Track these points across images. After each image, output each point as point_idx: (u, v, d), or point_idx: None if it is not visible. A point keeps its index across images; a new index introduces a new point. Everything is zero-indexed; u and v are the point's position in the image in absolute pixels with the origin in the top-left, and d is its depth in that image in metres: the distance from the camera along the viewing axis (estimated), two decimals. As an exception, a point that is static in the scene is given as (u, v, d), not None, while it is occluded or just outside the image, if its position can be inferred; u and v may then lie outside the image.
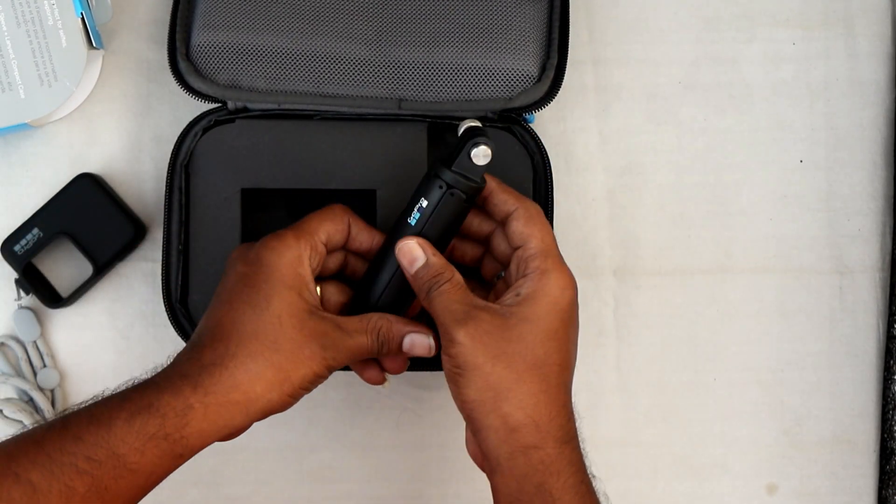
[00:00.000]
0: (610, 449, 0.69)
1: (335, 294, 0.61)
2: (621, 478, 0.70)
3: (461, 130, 0.60)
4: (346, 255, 0.62)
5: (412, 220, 0.58)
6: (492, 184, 0.59)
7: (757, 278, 0.70)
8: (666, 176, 0.70)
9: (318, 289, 0.60)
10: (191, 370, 0.54)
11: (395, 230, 0.59)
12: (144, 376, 0.55)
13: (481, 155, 0.57)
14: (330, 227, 0.59)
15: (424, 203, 0.58)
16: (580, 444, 0.56)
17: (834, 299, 0.70)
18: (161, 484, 0.68)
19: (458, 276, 0.57)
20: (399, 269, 0.58)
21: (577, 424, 0.57)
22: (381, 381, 0.61)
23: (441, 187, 0.57)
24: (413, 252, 0.57)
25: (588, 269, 0.70)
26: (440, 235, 0.58)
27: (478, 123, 0.60)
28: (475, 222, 0.61)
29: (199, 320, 0.57)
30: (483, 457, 0.56)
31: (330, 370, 0.56)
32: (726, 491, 0.70)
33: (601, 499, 0.56)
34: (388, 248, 0.59)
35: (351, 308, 0.60)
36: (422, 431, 0.69)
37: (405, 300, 0.60)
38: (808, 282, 0.70)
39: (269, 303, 0.55)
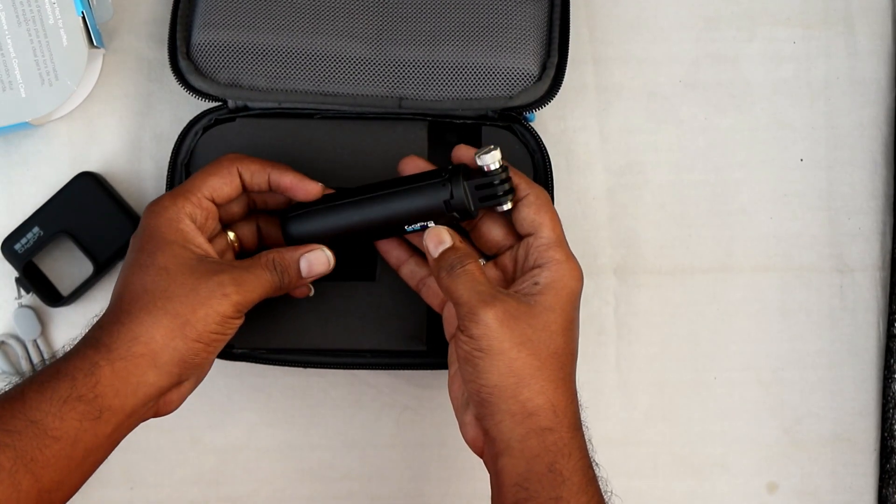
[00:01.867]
0: (610, 448, 0.69)
1: (250, 236, 0.62)
2: (621, 477, 0.69)
3: (489, 163, 0.58)
4: (251, 197, 0.62)
5: (410, 229, 0.58)
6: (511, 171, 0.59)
7: (757, 277, 0.70)
8: (666, 175, 0.70)
9: (233, 234, 0.61)
10: (92, 334, 0.54)
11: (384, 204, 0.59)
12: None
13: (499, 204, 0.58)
14: (215, 182, 0.58)
15: (431, 224, 0.58)
16: (585, 432, 0.57)
17: (834, 298, 0.70)
18: (161, 482, 0.68)
19: (480, 263, 0.57)
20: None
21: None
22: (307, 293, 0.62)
23: (454, 216, 0.58)
24: (441, 235, 0.57)
25: (589, 267, 0.69)
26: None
27: (502, 163, 0.58)
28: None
29: None
30: (487, 441, 0.55)
31: (237, 309, 0.56)
32: (726, 490, 0.70)
33: (602, 484, 0.57)
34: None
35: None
36: (422, 430, 0.69)
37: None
38: (809, 280, 0.70)
39: (154, 258, 0.55)
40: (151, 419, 0.57)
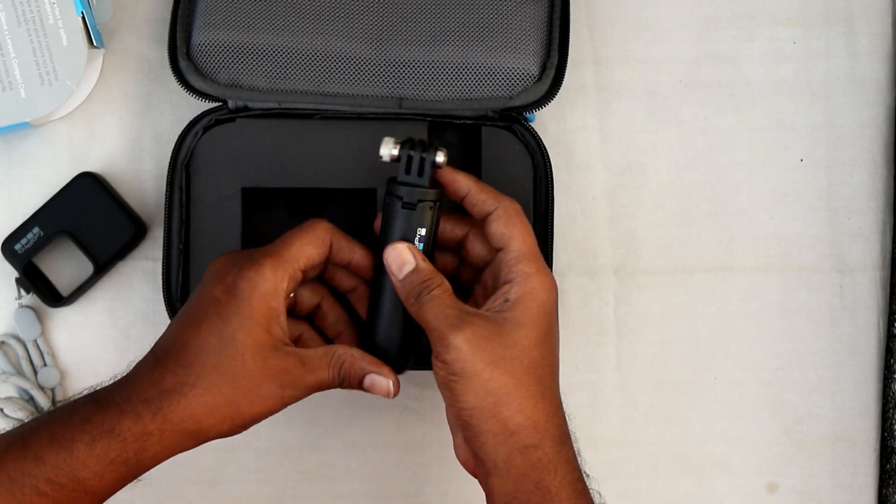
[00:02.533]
0: (610, 448, 0.70)
1: (331, 311, 0.62)
2: (621, 477, 0.70)
3: (390, 152, 0.58)
4: (323, 291, 0.62)
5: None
6: (469, 183, 0.58)
7: (757, 277, 0.70)
8: (666, 175, 0.70)
9: (291, 294, 0.59)
10: (151, 394, 0.54)
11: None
12: (106, 382, 0.55)
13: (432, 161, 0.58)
14: (311, 252, 0.58)
15: (423, 232, 0.58)
16: (573, 444, 0.57)
17: (834, 298, 0.70)
18: (160, 482, 0.68)
19: (448, 284, 0.57)
20: (395, 298, 0.58)
21: (569, 425, 0.57)
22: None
23: (431, 209, 0.57)
24: (402, 256, 0.57)
25: (588, 267, 0.70)
26: (432, 251, 0.58)
27: (395, 140, 0.59)
28: (447, 228, 0.60)
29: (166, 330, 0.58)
30: (477, 462, 0.56)
31: (285, 406, 0.57)
32: (726, 490, 0.70)
33: (595, 496, 0.56)
34: (380, 281, 0.59)
35: (361, 344, 0.60)
36: (422, 430, 0.69)
37: (413, 332, 0.59)
38: (809, 280, 0.70)
39: (236, 338, 0.55)
40: None
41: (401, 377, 0.62)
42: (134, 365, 0.57)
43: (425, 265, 0.57)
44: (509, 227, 0.57)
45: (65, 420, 0.53)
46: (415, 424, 0.69)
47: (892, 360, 0.69)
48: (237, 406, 0.55)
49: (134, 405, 0.53)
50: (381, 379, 0.58)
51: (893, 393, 0.69)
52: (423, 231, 0.57)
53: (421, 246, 0.57)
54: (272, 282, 0.56)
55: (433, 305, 0.55)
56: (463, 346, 0.54)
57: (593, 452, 0.69)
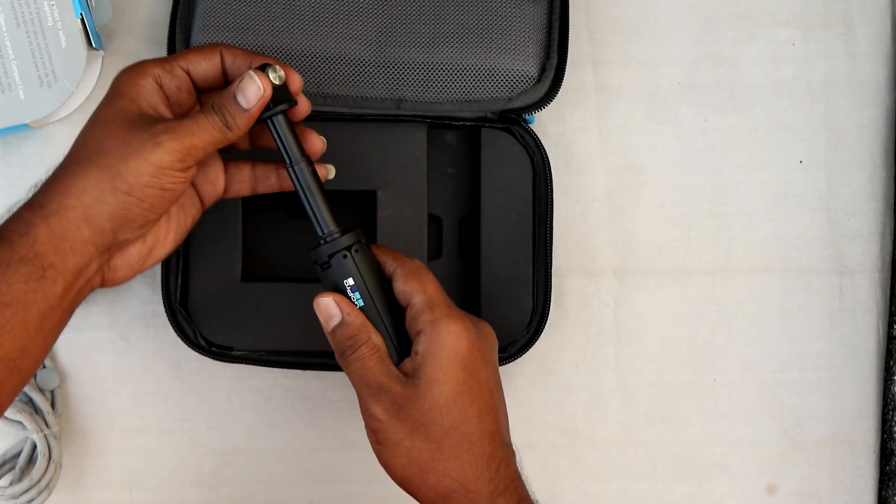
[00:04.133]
0: (609, 449, 0.70)
1: (245, 179, 0.61)
2: (621, 478, 0.70)
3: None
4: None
5: (360, 303, 0.56)
6: (374, 249, 0.58)
7: (757, 279, 0.70)
8: (666, 176, 0.70)
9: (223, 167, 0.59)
10: (30, 197, 0.53)
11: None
12: None
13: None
14: (192, 54, 0.57)
15: (350, 281, 0.56)
16: (519, 476, 0.56)
17: (834, 300, 0.70)
18: (160, 485, 0.68)
19: (375, 338, 0.55)
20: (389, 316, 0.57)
21: (517, 458, 0.57)
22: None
23: (346, 256, 0.56)
24: (329, 309, 0.56)
25: (588, 269, 0.70)
26: (382, 291, 0.57)
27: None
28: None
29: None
30: None
31: (177, 157, 0.53)
32: (726, 491, 0.70)
33: None
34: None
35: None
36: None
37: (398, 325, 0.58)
38: (808, 282, 0.70)
39: (98, 115, 0.54)
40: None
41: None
42: None
43: (352, 319, 0.55)
44: (409, 283, 0.56)
45: None
46: (414, 426, 0.69)
47: (891, 362, 0.69)
48: (111, 166, 0.52)
49: (15, 212, 0.53)
50: (242, 82, 0.54)
51: (893, 395, 0.69)
52: (350, 281, 0.56)
53: (358, 294, 0.56)
54: (137, 67, 0.55)
55: (357, 368, 0.55)
56: (383, 417, 0.54)
57: (593, 454, 0.69)
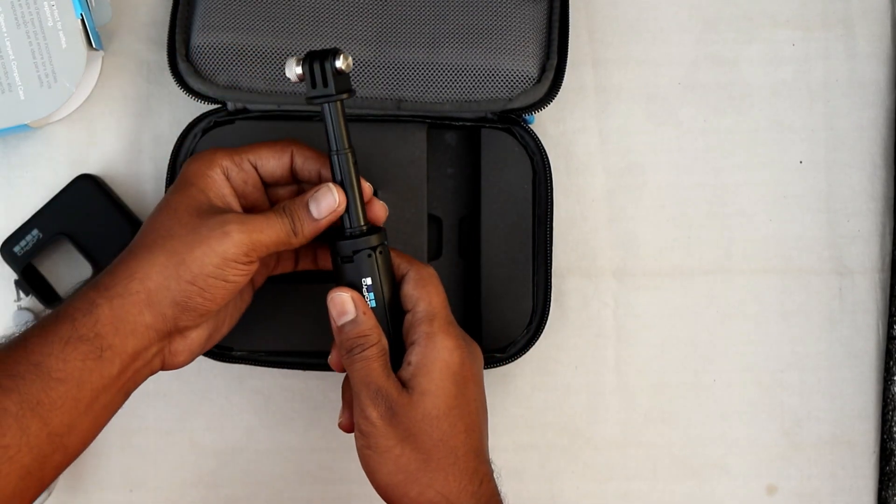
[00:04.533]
0: (609, 449, 0.70)
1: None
2: (621, 478, 0.70)
3: (295, 72, 0.56)
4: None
5: (372, 303, 0.56)
6: (391, 251, 0.58)
7: (756, 279, 0.70)
8: (666, 176, 0.70)
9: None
10: (95, 277, 0.54)
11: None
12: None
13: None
14: (263, 150, 0.57)
15: (368, 280, 0.56)
16: (498, 493, 0.57)
17: (833, 300, 0.70)
18: (160, 485, 0.68)
19: (384, 342, 0.56)
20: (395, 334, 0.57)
21: (495, 475, 0.57)
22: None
23: (370, 255, 0.56)
24: (345, 305, 0.56)
25: (587, 269, 0.70)
26: (394, 294, 0.57)
27: (297, 57, 0.56)
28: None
29: None
30: None
31: (242, 251, 0.53)
32: (726, 492, 0.70)
33: None
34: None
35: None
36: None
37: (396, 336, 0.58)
38: (808, 282, 0.70)
39: (168, 201, 0.55)
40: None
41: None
42: None
43: (365, 319, 0.55)
44: (418, 289, 0.56)
45: (36, 331, 0.53)
46: (414, 426, 0.69)
47: (891, 363, 0.69)
48: (177, 253, 0.53)
49: (79, 291, 0.53)
50: (319, 192, 0.56)
51: (893, 395, 0.69)
52: (368, 281, 0.56)
53: (371, 295, 0.56)
54: (208, 156, 0.56)
55: (360, 368, 0.55)
56: (377, 421, 0.54)
57: (593, 454, 0.69)
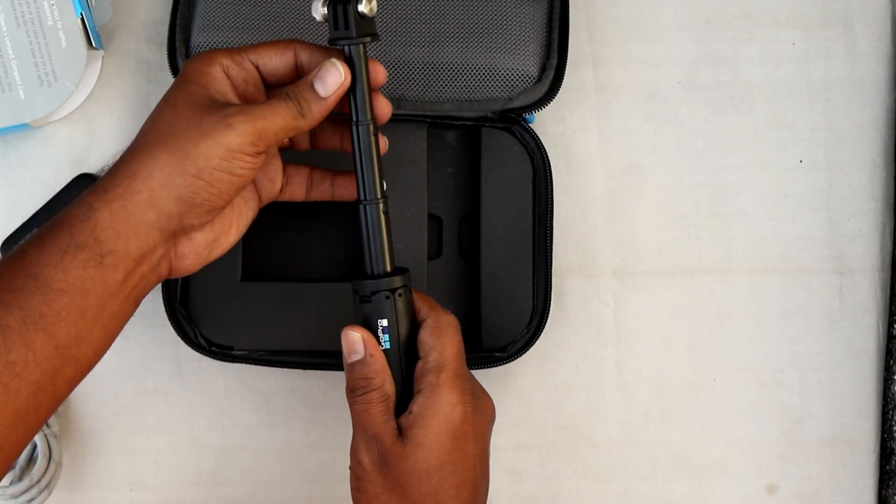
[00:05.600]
0: (609, 449, 0.70)
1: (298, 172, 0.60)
2: (621, 478, 0.70)
3: (321, 11, 0.55)
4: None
5: (386, 345, 0.56)
6: (413, 293, 0.57)
7: (756, 279, 0.70)
8: (665, 176, 0.70)
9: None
10: (96, 182, 0.52)
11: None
12: None
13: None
14: (264, 48, 0.56)
15: (384, 322, 0.56)
16: None
17: (833, 300, 0.70)
18: (160, 484, 0.68)
19: (389, 387, 0.55)
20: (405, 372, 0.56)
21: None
22: None
23: (388, 297, 0.55)
24: (355, 345, 0.55)
25: (588, 269, 0.70)
26: (411, 335, 0.56)
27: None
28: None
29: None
30: None
31: (248, 141, 0.52)
32: (726, 491, 0.70)
33: None
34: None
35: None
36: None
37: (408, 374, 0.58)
38: (808, 282, 0.70)
39: (168, 99, 0.54)
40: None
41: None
42: None
43: (372, 361, 0.55)
44: (433, 338, 0.55)
45: (34, 242, 0.51)
46: (414, 426, 0.69)
47: (891, 362, 0.69)
48: (180, 148, 0.51)
49: (80, 197, 0.52)
50: (323, 69, 0.54)
51: (893, 394, 0.69)
52: (384, 322, 0.55)
53: (387, 337, 0.56)
54: (206, 55, 0.54)
55: (361, 410, 0.55)
56: (368, 467, 0.54)
57: (593, 454, 0.69)
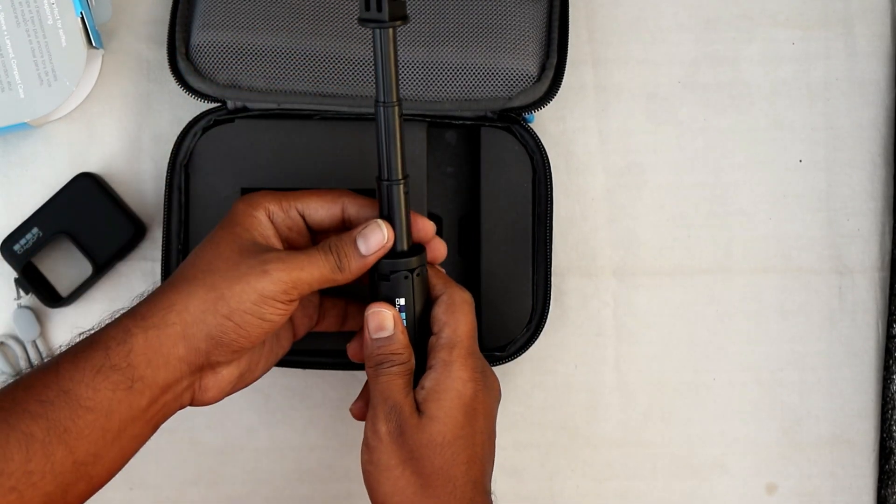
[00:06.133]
0: (609, 449, 0.70)
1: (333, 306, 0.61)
2: (620, 478, 0.70)
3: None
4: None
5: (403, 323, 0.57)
6: (430, 270, 0.58)
7: (756, 278, 0.70)
8: (665, 176, 0.70)
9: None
10: (133, 306, 0.54)
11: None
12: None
13: None
14: (312, 199, 0.57)
15: (402, 301, 0.56)
16: None
17: (833, 299, 0.70)
18: (160, 483, 0.68)
19: (412, 364, 0.56)
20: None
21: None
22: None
23: (406, 277, 0.56)
24: (385, 322, 0.56)
25: (587, 269, 0.70)
26: (425, 315, 0.57)
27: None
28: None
29: None
30: None
31: (281, 289, 0.53)
32: (725, 491, 0.70)
33: None
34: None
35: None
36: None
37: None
38: (808, 282, 0.70)
39: (212, 237, 0.55)
40: (190, 408, 0.55)
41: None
42: None
43: (401, 338, 0.56)
44: (447, 314, 0.56)
45: (68, 356, 0.52)
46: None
47: (891, 362, 0.69)
48: (216, 288, 0.52)
49: (116, 318, 0.53)
50: (368, 228, 0.55)
51: (892, 394, 0.69)
52: (402, 301, 0.56)
53: (403, 315, 0.56)
54: (255, 198, 0.56)
55: (384, 381, 0.55)
56: (385, 437, 0.54)
57: (592, 453, 0.69)
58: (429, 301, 0.58)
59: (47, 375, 0.51)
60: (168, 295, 0.53)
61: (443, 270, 0.60)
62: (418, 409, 0.55)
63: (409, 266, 0.56)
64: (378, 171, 0.56)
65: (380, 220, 0.56)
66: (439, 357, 0.55)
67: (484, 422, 0.56)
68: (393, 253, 0.56)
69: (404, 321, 0.56)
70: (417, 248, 0.57)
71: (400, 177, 0.56)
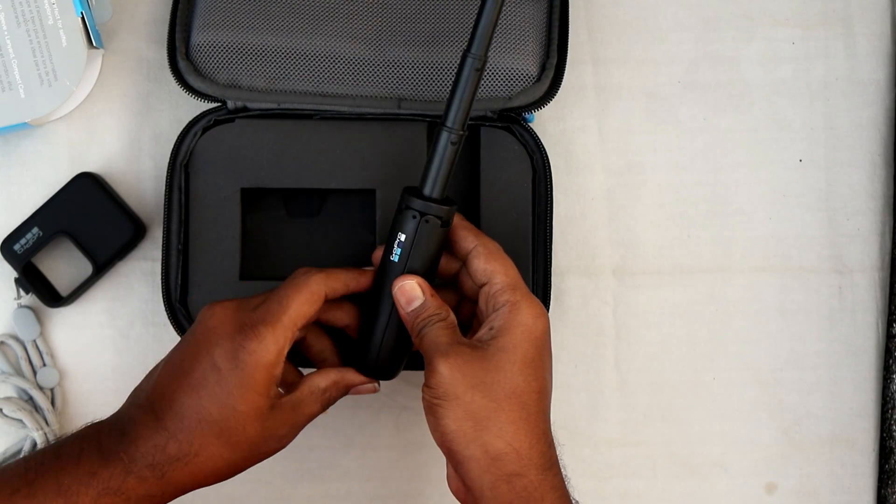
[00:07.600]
0: (609, 448, 0.70)
1: (316, 342, 0.62)
2: (620, 477, 0.70)
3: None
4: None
5: (395, 257, 0.58)
6: (459, 225, 0.59)
7: (756, 278, 0.70)
8: (665, 175, 0.70)
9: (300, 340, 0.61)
10: (157, 460, 0.55)
11: (382, 271, 0.59)
12: (105, 415, 0.57)
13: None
14: (308, 311, 0.57)
15: (402, 237, 0.57)
16: (562, 470, 0.57)
17: (833, 299, 0.70)
18: (161, 483, 0.68)
19: (452, 317, 0.57)
20: (395, 312, 0.58)
21: (557, 452, 0.57)
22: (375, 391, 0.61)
23: (414, 217, 0.57)
24: (413, 292, 0.57)
25: (587, 268, 0.70)
26: (425, 266, 0.58)
27: None
28: (441, 263, 0.60)
29: (157, 370, 0.58)
30: (466, 490, 0.56)
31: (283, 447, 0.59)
32: (725, 490, 0.70)
33: None
34: (380, 293, 0.59)
35: (354, 359, 0.60)
36: (421, 431, 0.69)
37: (405, 343, 0.60)
38: (808, 281, 0.70)
39: (237, 409, 0.55)
40: None
41: (400, 377, 0.62)
42: (129, 401, 0.57)
43: (433, 300, 0.57)
44: (490, 262, 0.57)
45: (71, 469, 0.54)
46: (414, 424, 0.69)
47: (890, 361, 0.69)
48: (237, 466, 0.57)
49: (140, 468, 0.54)
50: (365, 388, 0.60)
51: (892, 393, 0.69)
52: (402, 237, 0.57)
53: (398, 251, 0.57)
54: (274, 353, 0.56)
55: (430, 337, 0.56)
56: (445, 370, 0.54)
57: (592, 453, 0.69)
58: (438, 256, 0.58)
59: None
60: (192, 469, 0.56)
61: (473, 227, 0.60)
62: (486, 344, 0.55)
63: (419, 208, 0.57)
64: (443, 116, 0.58)
65: (374, 382, 0.61)
66: (503, 299, 0.56)
67: (550, 361, 0.57)
68: (421, 192, 0.57)
69: (395, 257, 0.57)
70: (444, 201, 0.58)
71: (460, 129, 0.57)
